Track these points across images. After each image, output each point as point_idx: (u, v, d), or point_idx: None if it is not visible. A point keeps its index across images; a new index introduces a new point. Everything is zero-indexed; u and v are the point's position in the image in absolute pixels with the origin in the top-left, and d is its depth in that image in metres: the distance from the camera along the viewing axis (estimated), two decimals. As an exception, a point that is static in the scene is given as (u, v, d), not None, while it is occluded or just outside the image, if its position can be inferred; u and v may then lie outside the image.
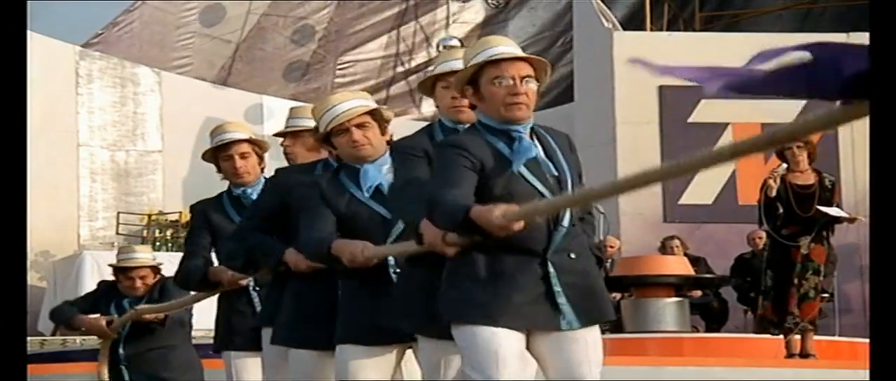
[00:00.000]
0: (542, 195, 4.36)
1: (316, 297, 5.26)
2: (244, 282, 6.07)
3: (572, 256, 4.41)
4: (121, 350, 7.77)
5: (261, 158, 6.34)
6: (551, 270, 4.37)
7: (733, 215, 14.56)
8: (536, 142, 4.49)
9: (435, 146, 4.63)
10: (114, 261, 8.14)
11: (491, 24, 19.99)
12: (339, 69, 20.14)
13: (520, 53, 4.55)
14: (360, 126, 5.09)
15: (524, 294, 4.36)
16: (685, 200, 15.23)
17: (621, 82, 15.15)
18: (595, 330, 4.46)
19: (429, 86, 4.96)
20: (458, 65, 4.80)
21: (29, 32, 13.50)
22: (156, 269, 7.87)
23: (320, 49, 20.15)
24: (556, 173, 4.43)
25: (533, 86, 4.46)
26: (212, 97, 18.18)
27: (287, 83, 19.92)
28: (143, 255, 8.04)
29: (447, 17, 20.32)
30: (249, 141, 6.30)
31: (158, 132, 17.83)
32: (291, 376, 5.43)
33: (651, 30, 17.18)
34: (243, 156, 6.28)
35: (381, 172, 5.05)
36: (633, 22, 18.26)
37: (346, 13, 20.17)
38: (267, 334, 5.67)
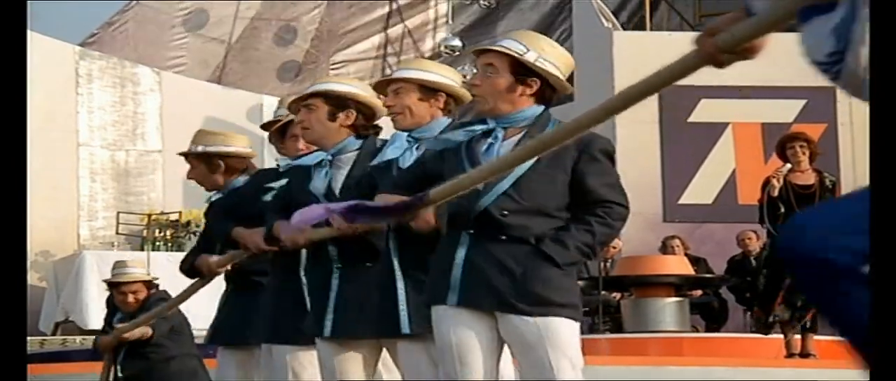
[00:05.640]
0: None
1: (293, 293, 5.27)
2: (220, 270, 6.04)
3: (502, 238, 4.36)
4: (119, 373, 7.70)
5: (211, 170, 6.21)
6: (459, 245, 4.38)
7: (733, 214, 14.53)
8: (500, 135, 4.46)
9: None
10: (115, 261, 8.11)
11: (482, 25, 19.94)
12: (333, 69, 20.15)
13: (482, 46, 4.63)
14: None
15: (437, 269, 4.44)
16: (685, 199, 15.21)
17: (621, 82, 15.11)
18: (547, 318, 4.31)
19: (382, 90, 4.98)
20: (406, 73, 4.86)
21: (29, 32, 13.48)
22: (149, 284, 7.82)
23: (313, 49, 20.16)
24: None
25: (490, 75, 4.46)
26: (212, 97, 18.17)
27: (281, 83, 19.93)
28: (136, 270, 7.97)
29: (436, 19, 20.31)
30: (192, 155, 6.22)
31: (158, 132, 17.80)
32: (276, 375, 5.42)
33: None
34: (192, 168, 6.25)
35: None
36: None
37: (335, 13, 20.17)
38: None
